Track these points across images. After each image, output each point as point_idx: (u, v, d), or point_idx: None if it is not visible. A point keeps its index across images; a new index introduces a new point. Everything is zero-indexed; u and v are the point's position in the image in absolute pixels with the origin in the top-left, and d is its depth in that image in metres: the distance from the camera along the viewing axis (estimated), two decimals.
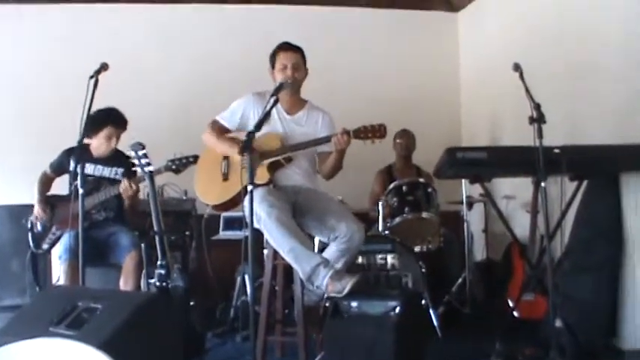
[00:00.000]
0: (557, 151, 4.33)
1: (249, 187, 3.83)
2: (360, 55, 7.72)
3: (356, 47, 7.75)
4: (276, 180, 4.51)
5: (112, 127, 5.22)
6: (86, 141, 4.93)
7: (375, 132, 4.39)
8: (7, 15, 7.12)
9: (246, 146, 3.85)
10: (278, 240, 4.17)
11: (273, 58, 4.68)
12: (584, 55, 5.24)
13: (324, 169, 4.62)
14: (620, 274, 4.67)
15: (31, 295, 5.38)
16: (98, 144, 5.25)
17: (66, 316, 3.20)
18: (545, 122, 4.11)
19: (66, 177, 5.39)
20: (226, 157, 4.63)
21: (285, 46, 4.67)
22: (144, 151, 4.19)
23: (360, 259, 5.17)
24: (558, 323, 4.22)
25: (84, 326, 3.11)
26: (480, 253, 6.94)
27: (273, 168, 4.48)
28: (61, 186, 5.47)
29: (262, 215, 4.14)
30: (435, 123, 7.57)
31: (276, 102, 4.20)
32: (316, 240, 5.04)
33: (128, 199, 5.15)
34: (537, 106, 4.14)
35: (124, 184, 5.00)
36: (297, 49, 4.67)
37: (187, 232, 6.16)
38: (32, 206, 5.33)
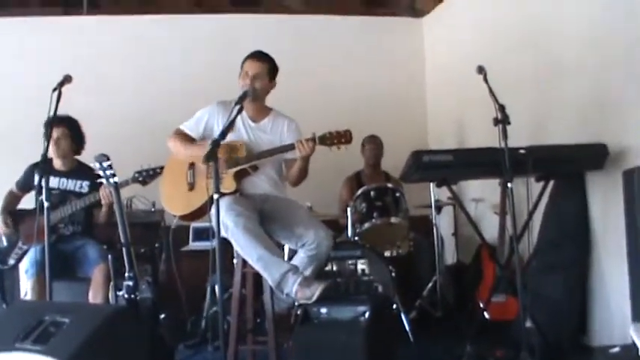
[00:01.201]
0: (522, 151, 4.38)
1: (216, 197, 3.80)
2: (326, 61, 7.74)
3: (321, 54, 7.77)
4: (242, 188, 4.48)
5: (54, 129, 5.06)
6: (50, 155, 4.89)
7: (341, 137, 4.39)
8: None
9: (212, 155, 3.83)
10: (246, 249, 4.15)
11: (242, 63, 4.64)
12: (548, 57, 5.29)
13: (291, 176, 4.61)
14: (587, 273, 4.73)
15: None
16: (52, 152, 5.17)
17: (32, 331, 3.15)
18: (509, 123, 4.15)
19: (33, 193, 5.32)
20: (192, 167, 4.60)
21: (253, 55, 4.64)
22: (109, 163, 4.16)
23: (330, 266, 5.17)
24: (528, 323, 4.24)
25: (50, 340, 3.07)
26: (450, 257, 6.97)
27: (240, 176, 4.46)
28: (29, 202, 5.40)
29: (229, 224, 4.13)
30: (401, 128, 7.59)
31: (240, 110, 4.19)
32: (286, 248, 5.02)
33: (106, 207, 5.09)
34: (502, 108, 4.17)
35: (102, 190, 4.94)
36: (264, 59, 4.63)
37: (157, 244, 6.12)
38: None
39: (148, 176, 4.97)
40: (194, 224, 6.38)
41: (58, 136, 5.18)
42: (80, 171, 5.28)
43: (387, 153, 6.84)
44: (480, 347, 4.52)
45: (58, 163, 5.25)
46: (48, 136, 4.71)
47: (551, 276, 4.81)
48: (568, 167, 4.63)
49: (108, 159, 4.16)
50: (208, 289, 5.97)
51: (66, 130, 5.24)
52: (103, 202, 5.02)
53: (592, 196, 4.75)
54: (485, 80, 4.31)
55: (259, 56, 4.64)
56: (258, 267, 4.17)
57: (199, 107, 4.73)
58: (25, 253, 5.15)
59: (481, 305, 5.42)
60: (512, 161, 4.12)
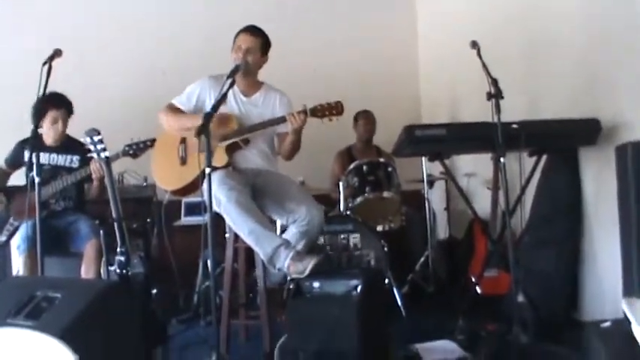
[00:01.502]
0: (515, 126, 4.37)
1: (208, 170, 3.79)
2: (318, 35, 7.72)
3: (313, 28, 7.74)
4: (234, 162, 4.48)
5: (53, 109, 5.10)
6: (39, 131, 4.86)
7: (332, 109, 4.38)
8: None
9: (204, 128, 3.80)
10: (238, 223, 4.15)
11: (235, 37, 4.64)
12: (542, 32, 5.25)
13: (283, 150, 4.61)
14: (579, 248, 4.73)
15: None
16: (47, 130, 5.15)
17: (24, 306, 3.14)
18: (502, 97, 4.13)
19: (23, 170, 5.30)
20: (183, 141, 4.59)
21: (246, 29, 4.63)
22: (99, 137, 4.13)
23: (322, 240, 5.16)
24: (521, 298, 4.24)
25: (42, 316, 3.06)
26: (442, 232, 6.99)
27: (231, 150, 4.45)
28: (18, 179, 5.39)
29: (222, 198, 4.12)
30: (394, 103, 7.57)
31: (232, 84, 4.16)
32: (278, 223, 5.01)
33: (97, 181, 5.06)
34: (495, 82, 4.16)
35: (93, 165, 4.92)
36: (257, 34, 4.62)
37: (149, 219, 6.11)
38: None
39: (138, 149, 4.94)
40: (186, 199, 6.37)
41: (57, 118, 5.16)
42: (70, 146, 5.25)
43: (379, 128, 6.83)
44: (472, 321, 4.53)
45: (48, 139, 5.21)
46: (40, 113, 4.69)
47: (543, 251, 4.81)
48: (561, 142, 4.61)
49: (99, 133, 4.13)
50: (200, 264, 5.97)
51: (66, 112, 5.21)
52: (93, 176, 4.99)
53: (585, 172, 4.74)
54: (479, 55, 4.29)
55: (252, 30, 4.62)
56: (250, 241, 4.18)
57: (190, 82, 4.71)
58: (16, 229, 5.13)
59: (473, 280, 5.43)
60: (504, 136, 4.10)
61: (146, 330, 3.74)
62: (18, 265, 4.91)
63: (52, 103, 5.05)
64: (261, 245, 4.13)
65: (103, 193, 5.21)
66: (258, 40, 4.62)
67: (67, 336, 2.51)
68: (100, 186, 5.13)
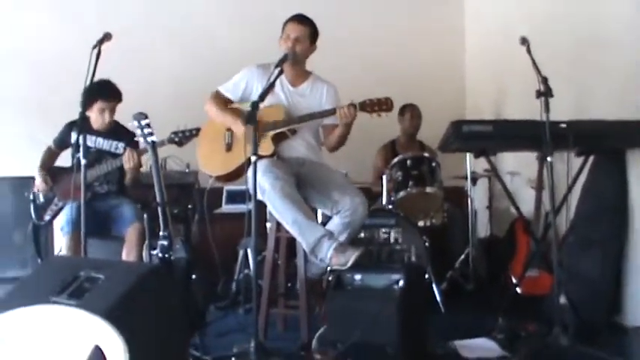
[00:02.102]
0: (563, 125, 4.31)
1: (253, 159, 3.79)
2: (365, 29, 7.67)
3: (360, 21, 7.69)
4: (280, 152, 4.48)
5: (102, 101, 5.13)
6: (87, 114, 4.90)
7: (382, 105, 4.36)
8: None
9: (251, 117, 3.80)
10: (282, 212, 4.15)
11: (283, 26, 4.64)
12: (592, 29, 5.18)
13: (329, 142, 4.61)
14: (624, 251, 4.67)
15: (33, 267, 5.36)
16: (94, 118, 5.20)
17: (67, 286, 3.15)
18: (552, 96, 4.10)
19: (69, 152, 5.35)
20: (230, 128, 4.58)
21: (295, 17, 4.63)
22: (147, 121, 4.16)
23: (363, 234, 5.13)
24: (562, 299, 4.20)
25: (85, 295, 3.07)
26: (483, 230, 6.92)
27: (278, 140, 4.45)
28: (64, 161, 5.44)
29: (266, 187, 4.12)
30: (439, 98, 7.50)
31: (280, 73, 4.16)
32: (319, 213, 5.00)
33: (129, 171, 5.10)
34: (544, 80, 4.11)
35: (127, 153, 4.96)
36: (305, 23, 4.62)
37: (190, 206, 6.13)
38: (34, 178, 5.31)
39: (184, 137, 4.95)
40: (227, 187, 6.39)
41: (105, 109, 5.20)
42: (117, 132, 5.29)
43: (423, 123, 6.79)
44: (511, 321, 4.49)
45: (96, 123, 5.24)
46: (89, 100, 4.72)
47: (587, 252, 4.75)
48: (609, 143, 4.55)
49: (146, 117, 4.16)
50: (240, 252, 5.99)
51: (114, 103, 5.24)
52: (125, 166, 5.03)
53: (632, 173, 4.67)
54: (529, 51, 4.24)
55: (301, 19, 4.61)
56: (293, 231, 4.17)
57: (238, 69, 4.71)
58: (60, 210, 5.20)
59: (513, 279, 5.38)
60: (552, 135, 4.06)
61: (186, 315, 3.77)
62: (61, 245, 4.97)
63: (102, 95, 5.08)
64: (304, 235, 4.13)
65: (137, 181, 5.26)
66: (307, 29, 4.61)
67: (109, 316, 2.52)
68: (133, 175, 5.17)
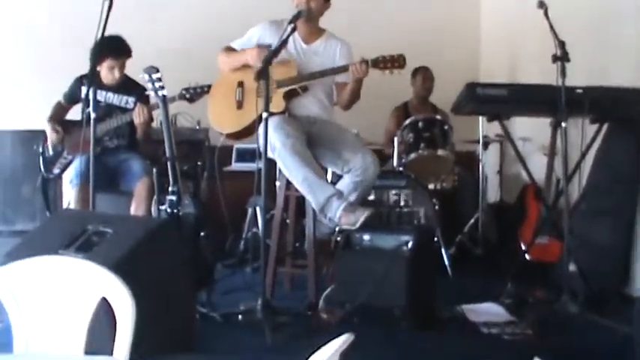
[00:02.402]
0: (579, 91, 4.26)
1: (264, 115, 3.75)
2: None
3: None
4: (291, 109, 4.45)
5: (111, 58, 5.07)
6: (97, 69, 4.86)
7: (394, 62, 4.32)
8: None
9: (263, 72, 3.77)
10: (292, 169, 4.13)
11: None
12: None
13: (342, 99, 4.58)
14: (635, 220, 4.63)
15: (41, 220, 5.37)
16: (104, 74, 5.16)
17: (75, 239, 3.17)
18: (568, 60, 4.06)
19: (79, 107, 5.32)
20: (241, 85, 4.55)
21: None
22: (158, 75, 4.13)
23: (373, 195, 5.12)
24: (572, 267, 4.19)
25: (93, 249, 3.09)
26: (493, 195, 6.89)
27: (289, 96, 4.42)
28: (74, 115, 5.42)
29: (277, 144, 4.10)
30: (452, 60, 7.42)
31: (293, 30, 4.13)
32: (329, 173, 4.98)
33: (140, 126, 5.08)
34: (562, 44, 4.08)
35: (137, 109, 4.93)
36: None
37: (199, 163, 6.11)
38: (44, 132, 5.29)
39: (195, 94, 4.91)
40: (237, 145, 6.36)
41: (114, 66, 5.14)
42: (127, 86, 5.24)
43: (435, 85, 6.73)
44: (519, 287, 4.48)
45: (105, 79, 5.20)
46: (99, 56, 4.67)
47: (598, 221, 4.72)
48: (625, 111, 4.49)
49: (157, 71, 4.14)
50: (249, 211, 5.98)
51: (124, 60, 5.18)
52: (135, 121, 5.00)
53: None
54: (546, 15, 4.19)
55: None
56: (302, 189, 4.16)
57: (248, 26, 4.68)
58: (69, 163, 5.18)
59: (522, 245, 5.36)
60: (568, 100, 4.02)
61: (195, 271, 3.77)
62: (69, 198, 4.95)
63: (111, 52, 5.01)
64: (314, 194, 4.11)
65: (148, 136, 5.24)
66: None
67: (117, 269, 2.50)
68: (144, 130, 5.14)
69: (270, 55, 3.93)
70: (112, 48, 4.99)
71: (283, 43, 4.04)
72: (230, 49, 4.64)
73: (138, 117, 4.94)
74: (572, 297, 4.03)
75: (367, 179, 4.31)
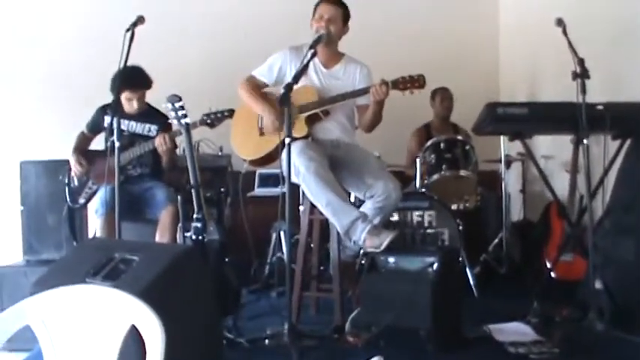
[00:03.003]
0: (600, 107, 4.25)
1: (287, 141, 3.78)
2: (398, 10, 7.60)
3: (393, 4, 7.62)
4: (314, 133, 4.48)
5: (129, 90, 5.12)
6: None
7: (414, 82, 4.33)
8: None
9: (284, 99, 3.80)
10: (316, 193, 4.14)
11: (315, 7, 4.63)
12: (630, 9, 5.10)
13: (364, 122, 4.59)
14: None
15: (67, 250, 5.41)
16: (123, 103, 5.21)
17: (102, 267, 3.19)
18: (588, 77, 4.06)
19: (102, 137, 5.37)
20: None
21: None
22: (181, 103, 4.17)
23: (397, 216, 5.13)
24: (598, 284, 4.16)
25: (121, 277, 3.10)
26: (516, 214, 6.87)
27: (311, 121, 4.44)
28: (98, 145, 5.48)
29: (301, 168, 4.12)
30: (472, 80, 7.45)
31: (314, 55, 4.15)
32: (352, 196, 4.99)
33: (164, 154, 5.11)
34: (581, 62, 4.08)
35: (159, 138, 4.97)
36: (339, 4, 4.61)
37: (222, 189, 6.14)
38: (69, 161, 5.34)
39: (216, 119, 4.93)
40: (260, 170, 6.39)
41: (132, 98, 5.19)
42: (149, 114, 5.30)
43: (456, 105, 6.76)
44: (545, 305, 4.46)
45: (127, 109, 5.25)
46: (117, 85, 4.73)
47: (622, 237, 4.67)
48: None
49: (180, 99, 4.17)
50: (273, 236, 6.01)
51: (142, 92, 5.24)
52: (159, 150, 5.03)
53: None
54: (565, 33, 4.21)
55: (336, 1, 4.59)
56: (327, 213, 4.17)
57: (270, 51, 4.72)
58: (94, 193, 5.24)
59: (547, 263, 5.34)
60: (589, 117, 4.01)
61: (221, 297, 3.78)
62: (95, 227, 5.01)
63: (128, 84, 5.04)
64: (339, 217, 4.12)
65: (173, 164, 5.27)
66: (340, 10, 4.60)
67: (144, 297, 2.52)
68: (168, 157, 5.17)
69: (292, 80, 3.95)
70: (130, 80, 5.01)
71: (304, 69, 4.07)
72: (252, 84, 4.65)
73: (161, 146, 4.98)
74: (599, 314, 4.01)
75: (389, 205, 4.31)
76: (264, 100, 4.58)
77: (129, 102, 5.18)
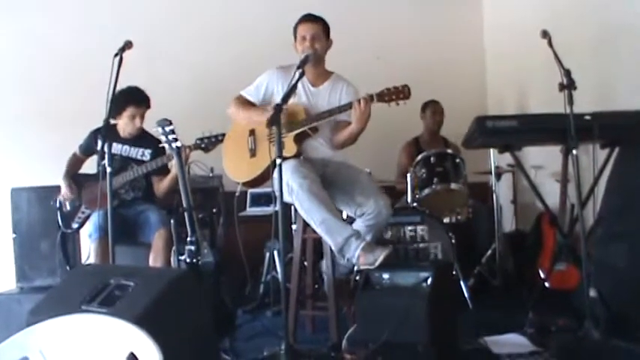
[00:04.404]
0: (588, 117, 4.27)
1: (278, 161, 3.79)
2: (384, 24, 7.64)
3: (379, 17, 7.66)
4: (304, 152, 4.49)
5: (133, 107, 5.19)
6: (113, 121, 4.94)
7: (399, 93, 4.33)
8: None
9: (274, 119, 3.81)
10: (310, 211, 4.15)
11: (295, 30, 4.66)
12: (616, 19, 5.14)
13: (337, 138, 4.59)
14: None
15: (61, 276, 5.41)
16: (124, 124, 5.24)
17: (98, 294, 3.19)
18: (575, 88, 4.07)
19: (95, 158, 5.38)
20: (252, 133, 4.60)
21: (305, 18, 4.65)
22: (171, 127, 4.20)
23: (389, 232, 5.13)
24: (592, 293, 4.17)
25: (117, 303, 3.10)
26: (508, 224, 6.89)
27: (300, 139, 4.45)
28: (90, 168, 5.48)
29: (294, 187, 4.12)
30: (460, 93, 7.48)
31: (302, 75, 4.16)
32: (343, 214, 5.01)
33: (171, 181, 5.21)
34: (567, 73, 4.09)
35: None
36: (317, 20, 4.64)
37: (215, 210, 6.14)
38: (60, 187, 5.35)
39: (210, 143, 4.96)
40: (251, 190, 6.39)
41: (136, 115, 5.23)
42: (144, 139, 5.32)
43: (445, 119, 6.77)
44: (541, 315, 4.46)
45: (123, 132, 5.28)
46: (119, 106, 4.76)
47: (614, 245, 4.69)
48: (635, 134, 4.50)
49: (170, 123, 4.20)
50: (267, 255, 6.01)
51: (145, 109, 5.28)
52: (173, 171, 5.09)
53: None
54: (550, 45, 4.22)
55: (312, 18, 4.64)
56: (320, 230, 4.17)
57: (260, 74, 4.74)
58: (87, 217, 5.25)
59: (541, 274, 5.35)
60: (577, 128, 4.03)
61: (216, 319, 3.77)
62: (89, 252, 5.00)
63: (133, 101, 5.12)
64: (332, 235, 4.12)
65: (172, 191, 5.30)
66: (320, 26, 4.63)
67: (141, 323, 2.53)
68: (171, 185, 5.22)
69: (281, 101, 3.96)
70: (134, 97, 5.12)
71: (292, 89, 4.08)
72: (242, 101, 4.69)
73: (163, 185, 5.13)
74: (595, 323, 4.00)
75: (380, 223, 4.33)
76: (258, 108, 4.62)
77: (132, 120, 5.22)
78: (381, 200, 4.32)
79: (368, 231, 4.30)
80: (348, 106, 4.40)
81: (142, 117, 5.27)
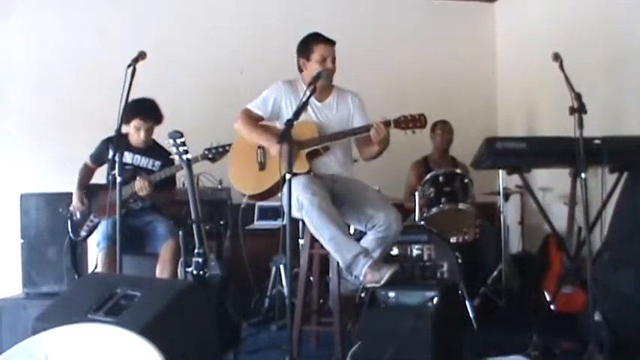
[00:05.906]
0: (597, 142, 4.27)
1: (289, 177, 3.79)
2: (396, 45, 7.67)
3: (392, 37, 7.69)
4: (314, 168, 4.50)
5: (139, 119, 5.17)
6: (124, 130, 4.95)
7: (416, 122, 4.39)
8: (44, 4, 7.18)
9: (285, 135, 3.82)
10: (319, 228, 4.16)
11: (307, 48, 4.65)
12: (627, 43, 5.16)
13: (366, 154, 4.65)
14: None
15: (68, 283, 5.41)
16: (131, 134, 5.25)
17: (104, 303, 3.20)
18: (585, 112, 4.07)
19: (103, 169, 5.41)
20: (262, 146, 4.60)
21: (324, 39, 4.64)
22: (182, 139, 4.21)
23: (396, 250, 5.13)
24: (597, 317, 4.16)
25: (123, 313, 3.11)
26: (515, 246, 6.89)
27: (312, 157, 4.47)
28: (100, 177, 5.51)
29: (305, 203, 4.14)
30: (470, 114, 7.51)
31: (313, 91, 4.18)
32: (351, 229, 5.01)
33: (145, 199, 5.20)
34: (578, 96, 4.09)
35: (139, 182, 5.04)
36: (334, 43, 4.66)
37: (222, 222, 6.15)
38: (69, 194, 5.37)
39: (217, 153, 4.99)
40: (259, 203, 6.40)
41: (140, 127, 5.23)
42: (155, 150, 5.34)
43: (454, 138, 6.78)
44: (545, 338, 4.46)
45: (132, 140, 5.30)
46: (127, 117, 4.77)
47: (622, 269, 4.68)
48: None
49: (181, 135, 4.22)
50: (273, 269, 6.01)
51: (152, 123, 5.28)
52: (140, 193, 5.09)
53: None
54: (561, 68, 4.22)
55: (331, 41, 4.66)
56: (329, 247, 4.18)
57: (269, 81, 4.76)
58: (96, 226, 5.26)
59: (547, 296, 5.35)
60: (586, 151, 4.03)
61: (222, 332, 3.78)
62: (96, 261, 5.01)
63: (139, 113, 5.11)
64: (341, 252, 4.13)
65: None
66: (334, 48, 4.66)
67: (146, 333, 2.54)
68: (150, 200, 5.26)
69: (292, 117, 3.97)
70: (142, 109, 5.10)
71: (304, 106, 4.09)
72: (249, 116, 4.66)
73: (141, 190, 5.07)
74: (599, 347, 4.00)
75: (390, 236, 4.34)
76: (266, 132, 4.60)
77: (137, 131, 5.23)
78: (392, 213, 4.36)
79: (377, 245, 4.32)
80: (364, 129, 4.44)
81: (149, 131, 5.27)
